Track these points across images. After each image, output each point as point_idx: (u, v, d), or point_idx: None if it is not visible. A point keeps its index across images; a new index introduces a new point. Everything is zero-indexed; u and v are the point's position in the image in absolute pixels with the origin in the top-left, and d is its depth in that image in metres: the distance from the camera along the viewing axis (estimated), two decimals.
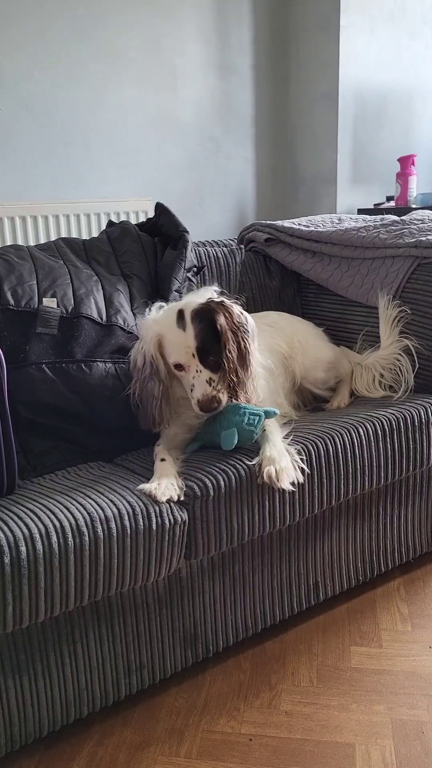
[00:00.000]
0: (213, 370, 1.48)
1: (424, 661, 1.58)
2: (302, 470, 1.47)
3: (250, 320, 1.56)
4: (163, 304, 1.64)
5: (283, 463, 1.42)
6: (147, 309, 1.66)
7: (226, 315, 1.50)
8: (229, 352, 1.47)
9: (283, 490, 1.42)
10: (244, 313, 1.56)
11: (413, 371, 1.87)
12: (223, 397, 1.47)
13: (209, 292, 1.62)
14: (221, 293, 1.63)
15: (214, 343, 1.48)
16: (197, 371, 1.47)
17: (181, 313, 1.50)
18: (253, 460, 1.44)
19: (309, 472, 1.50)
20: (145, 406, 1.54)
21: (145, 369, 1.52)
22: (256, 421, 1.47)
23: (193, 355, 1.47)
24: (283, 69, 3.33)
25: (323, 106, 3.22)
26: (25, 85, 2.73)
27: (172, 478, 1.40)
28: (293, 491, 1.46)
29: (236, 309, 1.54)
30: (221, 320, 1.48)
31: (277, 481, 1.39)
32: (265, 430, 1.51)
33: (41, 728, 1.33)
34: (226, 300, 1.54)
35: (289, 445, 1.51)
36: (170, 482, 1.38)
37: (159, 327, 1.52)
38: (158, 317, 1.56)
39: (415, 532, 1.89)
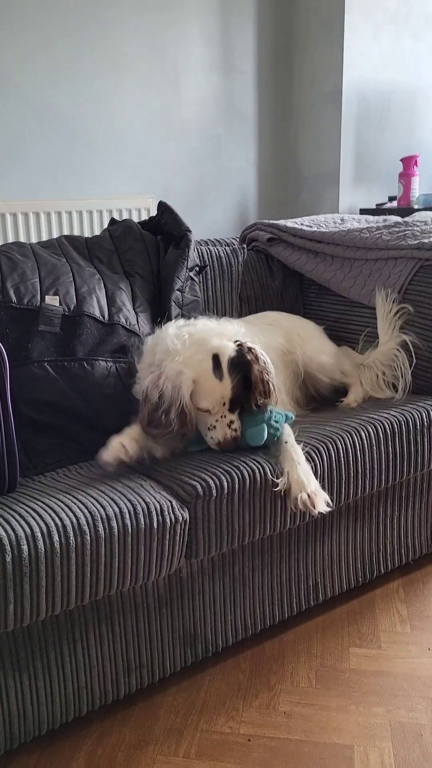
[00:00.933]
0: (233, 412, 1.50)
1: (423, 663, 1.58)
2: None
3: (266, 357, 1.56)
4: (180, 323, 1.62)
5: (312, 486, 1.44)
6: (159, 326, 1.64)
7: (258, 363, 1.51)
8: (259, 398, 1.51)
9: (321, 513, 1.44)
10: (262, 352, 1.56)
11: (410, 367, 1.87)
12: (239, 434, 1.50)
13: (233, 327, 1.61)
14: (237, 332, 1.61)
15: (243, 390, 1.50)
16: (222, 416, 1.49)
17: (216, 360, 1.47)
18: (278, 483, 1.44)
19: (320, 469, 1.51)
20: (156, 428, 1.48)
21: (165, 406, 1.44)
22: (281, 420, 1.52)
23: (224, 404, 1.48)
24: (286, 69, 3.33)
25: (326, 107, 3.22)
26: (29, 85, 2.73)
27: (124, 437, 1.43)
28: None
29: (260, 352, 1.54)
30: (255, 371, 1.50)
31: (313, 507, 1.42)
32: (287, 442, 1.51)
33: (40, 726, 1.33)
34: (251, 345, 1.53)
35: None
36: (119, 441, 1.41)
37: (192, 372, 1.47)
38: (188, 358, 1.48)
39: (414, 534, 1.89)
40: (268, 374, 1.52)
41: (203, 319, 1.65)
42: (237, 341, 1.52)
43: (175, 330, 1.58)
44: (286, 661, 1.60)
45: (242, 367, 1.50)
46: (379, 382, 1.93)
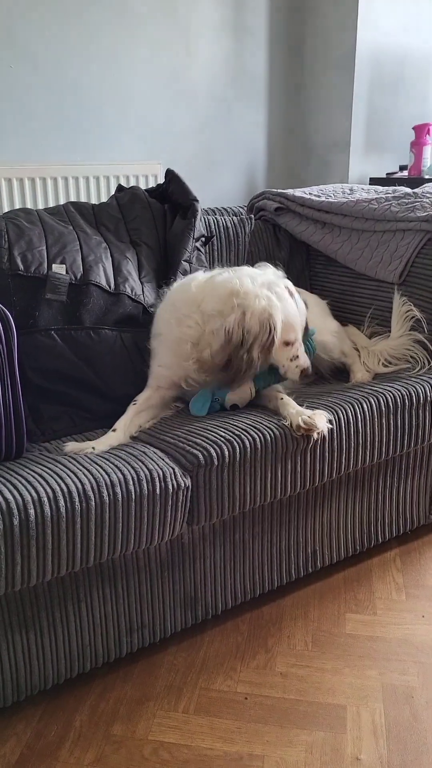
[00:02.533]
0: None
1: (417, 630, 1.63)
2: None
3: None
4: (206, 273, 1.67)
5: (308, 411, 1.53)
6: (166, 292, 1.71)
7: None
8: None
9: (323, 431, 1.51)
10: None
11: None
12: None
13: (269, 269, 1.67)
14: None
15: None
16: (301, 343, 1.61)
17: (288, 290, 1.59)
18: (284, 422, 1.52)
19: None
20: (237, 375, 1.53)
21: (248, 344, 1.50)
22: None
23: (301, 332, 1.61)
24: (298, 31, 3.26)
25: (338, 69, 3.16)
26: (36, 44, 2.69)
27: (101, 446, 1.47)
28: (301, 460, 1.51)
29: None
30: (302, 303, 1.63)
31: (314, 423, 1.48)
32: (282, 399, 1.60)
33: (46, 680, 1.39)
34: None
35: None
36: (92, 445, 1.45)
37: (278, 301, 1.54)
38: (265, 290, 1.54)
39: (413, 504, 1.92)
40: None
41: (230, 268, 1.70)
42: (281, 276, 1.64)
43: (201, 282, 1.63)
44: (284, 624, 1.65)
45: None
46: (378, 365, 1.93)
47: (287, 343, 1.58)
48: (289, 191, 2.35)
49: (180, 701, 1.42)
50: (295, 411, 1.53)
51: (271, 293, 1.54)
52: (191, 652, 1.56)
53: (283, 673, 1.50)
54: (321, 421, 1.51)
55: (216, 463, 1.41)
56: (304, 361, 1.61)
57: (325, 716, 1.38)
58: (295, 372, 1.60)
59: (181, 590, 1.53)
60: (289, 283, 1.63)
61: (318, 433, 1.50)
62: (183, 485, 1.37)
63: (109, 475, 1.30)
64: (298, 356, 1.60)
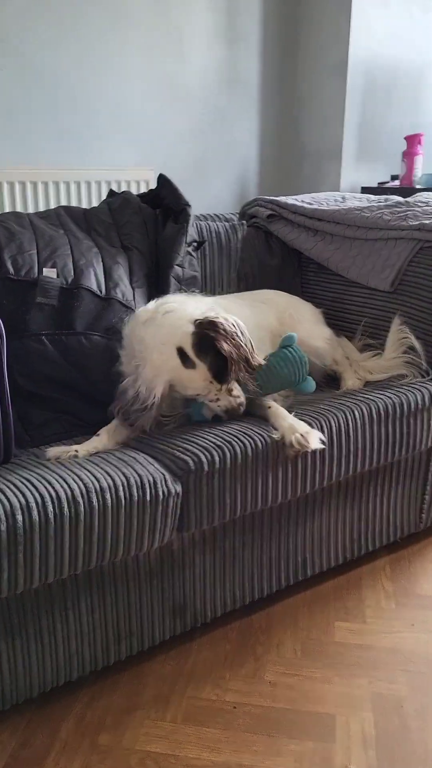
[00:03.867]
0: (227, 383, 1.51)
1: (406, 638, 1.62)
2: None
3: (236, 321, 1.54)
4: (150, 307, 1.60)
5: (303, 428, 1.49)
6: (126, 321, 1.63)
7: (223, 335, 1.48)
8: (238, 367, 1.49)
9: (316, 450, 1.49)
10: (227, 317, 1.53)
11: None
12: (243, 398, 1.54)
13: (195, 304, 1.58)
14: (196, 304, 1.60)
15: (223, 360, 1.48)
16: (218, 390, 1.51)
17: (182, 352, 1.48)
18: (274, 435, 1.49)
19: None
20: (131, 419, 1.50)
21: (138, 406, 1.47)
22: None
23: (211, 382, 1.50)
24: (292, 39, 3.28)
25: (331, 79, 3.17)
26: (29, 46, 2.69)
27: (84, 448, 1.46)
28: (292, 468, 1.50)
29: (222, 321, 1.50)
30: (224, 347, 1.47)
31: (307, 443, 1.46)
32: (270, 407, 1.57)
33: (32, 689, 1.37)
34: (212, 317, 1.51)
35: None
36: (75, 448, 1.44)
37: (166, 375, 1.49)
38: (157, 360, 1.48)
39: (402, 513, 1.92)
40: (235, 340, 1.49)
41: (172, 297, 1.65)
42: (196, 320, 1.49)
43: (142, 322, 1.56)
44: (273, 633, 1.64)
45: (207, 344, 1.48)
46: (362, 381, 1.90)
47: (196, 395, 1.53)
48: (282, 198, 2.35)
49: (168, 710, 1.40)
50: (288, 425, 1.50)
51: (163, 354, 1.48)
52: (179, 661, 1.54)
53: (272, 682, 1.48)
54: (314, 441, 1.48)
55: (206, 469, 1.40)
56: (226, 403, 1.52)
57: (314, 725, 1.37)
58: (218, 410, 1.53)
59: (170, 598, 1.52)
60: (214, 317, 1.51)
61: (310, 450, 1.48)
62: (173, 491, 1.36)
63: (99, 481, 1.29)
64: (218, 398, 1.52)
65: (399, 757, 1.29)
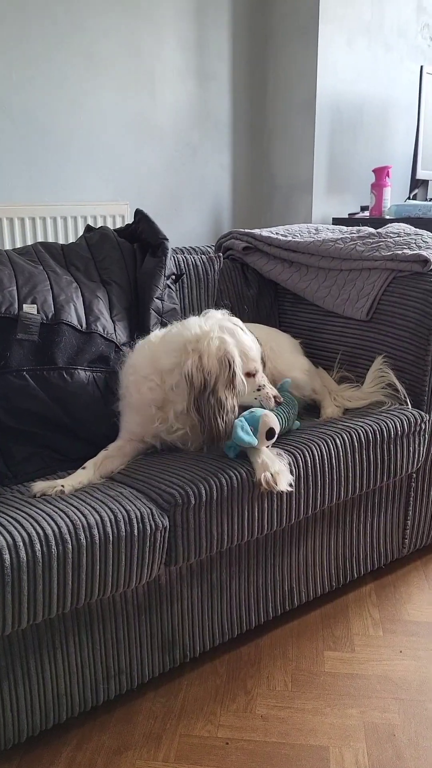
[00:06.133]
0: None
1: (395, 666, 1.62)
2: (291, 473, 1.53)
3: None
4: (163, 329, 1.73)
5: (276, 467, 1.48)
6: (138, 338, 1.72)
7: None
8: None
9: (282, 492, 1.49)
10: None
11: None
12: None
13: (216, 313, 1.67)
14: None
15: None
16: (263, 374, 1.62)
17: (237, 325, 1.62)
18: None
19: (295, 476, 1.55)
20: (213, 422, 1.50)
21: (212, 386, 1.50)
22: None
23: (260, 361, 1.62)
24: (260, 76, 3.37)
25: (300, 115, 3.26)
26: (3, 86, 2.72)
27: (70, 482, 1.46)
28: (278, 499, 1.50)
29: None
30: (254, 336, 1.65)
31: (275, 484, 1.45)
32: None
33: (20, 733, 1.34)
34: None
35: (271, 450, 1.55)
36: (62, 484, 1.44)
37: (230, 337, 1.56)
38: (216, 329, 1.56)
39: (386, 539, 1.94)
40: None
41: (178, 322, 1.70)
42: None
43: (167, 331, 1.68)
44: (263, 665, 1.63)
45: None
46: (340, 410, 1.93)
47: (249, 375, 1.58)
48: (257, 231, 2.39)
49: (160, 749, 1.38)
50: (261, 462, 1.49)
51: (222, 332, 1.56)
52: (170, 698, 1.52)
53: (263, 716, 1.47)
54: (283, 483, 1.47)
55: (193, 502, 1.40)
56: (271, 389, 1.62)
57: (308, 758, 1.35)
58: (267, 401, 1.60)
59: (158, 633, 1.50)
60: (238, 320, 1.65)
61: (276, 491, 1.48)
62: (161, 525, 1.35)
63: (86, 517, 1.28)
64: (264, 385, 1.61)
65: None
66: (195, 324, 1.59)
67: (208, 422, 1.50)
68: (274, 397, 1.61)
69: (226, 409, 1.51)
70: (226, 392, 1.51)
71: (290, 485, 1.50)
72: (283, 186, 3.41)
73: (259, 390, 1.60)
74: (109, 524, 1.29)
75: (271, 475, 1.46)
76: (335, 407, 1.93)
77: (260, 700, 1.52)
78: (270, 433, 1.51)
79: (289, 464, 1.54)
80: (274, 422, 1.52)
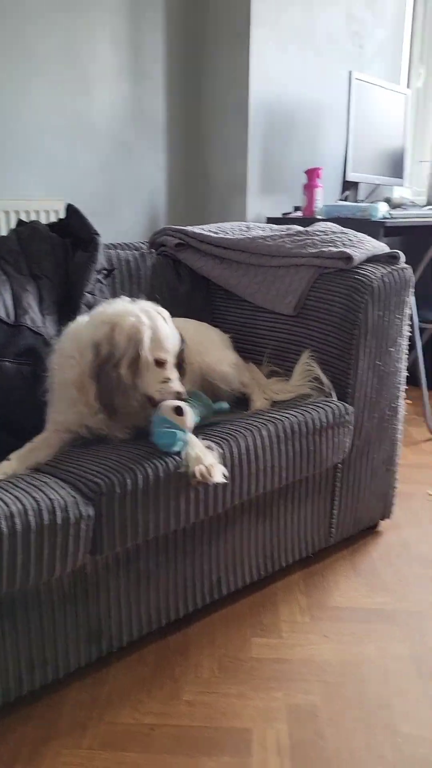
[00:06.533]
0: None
1: (320, 649, 1.67)
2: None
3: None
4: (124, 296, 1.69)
5: (208, 459, 1.51)
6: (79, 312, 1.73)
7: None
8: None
9: (217, 484, 1.51)
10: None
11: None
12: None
13: (147, 302, 1.67)
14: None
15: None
16: (174, 369, 1.59)
17: (162, 316, 1.61)
18: (180, 466, 1.50)
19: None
20: (108, 394, 1.52)
21: (116, 359, 1.51)
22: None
23: (174, 356, 1.59)
24: (195, 78, 3.40)
25: (234, 117, 3.31)
26: None
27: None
28: (204, 488, 1.53)
29: None
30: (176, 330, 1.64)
31: (210, 476, 1.47)
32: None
33: None
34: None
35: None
36: None
37: (147, 319, 1.56)
38: (137, 310, 1.58)
39: (313, 528, 1.98)
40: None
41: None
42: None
43: (93, 311, 1.66)
44: (190, 653, 1.65)
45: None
46: (268, 402, 1.97)
47: (158, 363, 1.57)
48: (189, 228, 2.42)
49: (84, 737, 1.38)
50: (195, 455, 1.51)
51: (141, 314, 1.58)
52: (96, 687, 1.52)
53: (189, 702, 1.49)
54: (217, 475, 1.49)
55: (118, 491, 1.41)
56: (177, 385, 1.57)
57: (231, 741, 1.38)
58: (167, 393, 1.56)
59: (84, 623, 1.50)
60: (165, 312, 1.66)
61: (212, 483, 1.50)
62: (85, 514, 1.36)
63: (8, 506, 1.27)
64: (171, 379, 1.57)
65: (314, 765, 1.32)
66: (120, 303, 1.62)
67: (104, 394, 1.51)
68: (178, 392, 1.56)
69: (124, 386, 1.51)
70: (128, 370, 1.52)
71: (225, 477, 1.52)
72: (219, 186, 3.45)
73: (162, 383, 1.57)
74: (31, 513, 1.29)
75: (206, 468, 1.48)
76: (264, 400, 1.97)
77: (187, 687, 1.54)
78: (178, 410, 1.51)
79: (221, 456, 1.56)
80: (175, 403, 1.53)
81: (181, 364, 1.65)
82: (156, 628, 1.65)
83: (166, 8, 3.23)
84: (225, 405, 1.83)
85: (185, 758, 1.34)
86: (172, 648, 1.67)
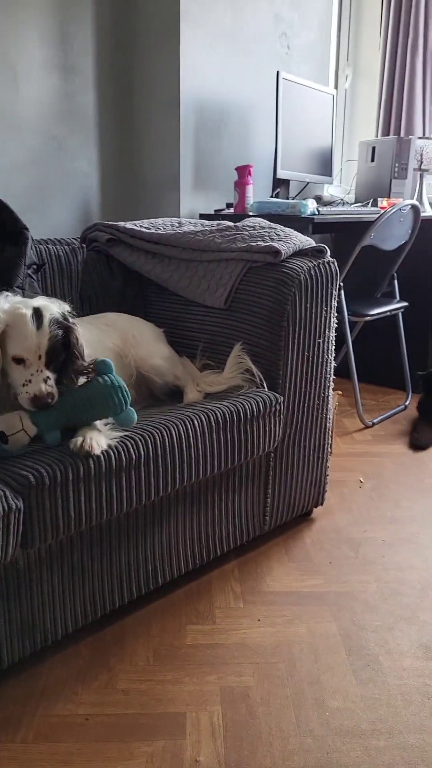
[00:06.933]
0: (51, 371, 1.53)
1: (253, 633, 1.71)
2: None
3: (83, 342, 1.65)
4: (9, 294, 1.62)
5: (93, 434, 1.51)
6: None
7: (77, 335, 1.60)
8: (76, 367, 1.57)
9: (96, 455, 1.50)
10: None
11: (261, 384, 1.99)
12: (56, 394, 1.53)
13: (57, 304, 1.62)
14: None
15: (60, 352, 1.55)
16: (38, 370, 1.51)
17: (38, 313, 1.53)
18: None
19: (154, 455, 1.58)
20: None
21: None
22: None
23: (40, 357, 1.51)
24: (126, 74, 3.40)
25: (166, 114, 3.32)
26: None
27: None
28: (136, 477, 1.54)
29: (81, 333, 1.63)
30: (74, 339, 1.57)
31: (89, 448, 1.47)
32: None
33: None
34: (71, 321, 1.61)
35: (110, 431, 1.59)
36: None
37: (7, 317, 1.52)
38: (7, 308, 1.53)
39: (247, 517, 2.02)
40: (79, 346, 1.59)
41: None
42: (63, 312, 1.59)
43: (2, 297, 1.59)
44: (126, 643, 1.66)
45: (65, 330, 1.55)
46: (201, 395, 1.99)
47: (18, 361, 1.52)
48: (120, 223, 2.42)
49: (18, 731, 1.38)
50: (84, 431, 1.52)
51: (14, 308, 1.53)
52: (31, 681, 1.52)
53: (124, 690, 1.50)
54: (95, 449, 1.49)
55: (48, 483, 1.41)
56: (36, 389, 1.49)
57: (165, 725, 1.40)
58: (25, 398, 1.51)
59: (18, 618, 1.50)
60: (65, 307, 1.62)
61: (94, 455, 1.49)
62: (15, 507, 1.35)
63: None
64: (30, 382, 1.50)
65: (246, 743, 1.36)
66: (12, 299, 1.58)
67: None
68: (35, 397, 1.50)
69: None
70: None
71: (107, 448, 1.52)
72: (152, 182, 3.46)
73: (24, 385, 1.51)
74: None
75: (87, 439, 1.48)
76: (197, 392, 2.00)
77: (122, 676, 1.55)
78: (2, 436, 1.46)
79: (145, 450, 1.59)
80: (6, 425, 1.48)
81: (64, 365, 1.58)
82: (92, 620, 1.66)
83: (94, 4, 3.22)
84: (133, 416, 1.65)
85: (119, 744, 1.35)
86: (108, 639, 1.68)
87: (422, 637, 1.70)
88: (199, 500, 1.86)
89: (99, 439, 1.51)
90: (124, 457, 1.54)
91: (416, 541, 2.18)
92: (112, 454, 1.52)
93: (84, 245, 2.41)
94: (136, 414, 1.60)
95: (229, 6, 3.40)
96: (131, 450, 1.56)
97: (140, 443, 1.59)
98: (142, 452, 1.58)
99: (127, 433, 1.60)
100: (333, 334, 2.16)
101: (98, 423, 1.57)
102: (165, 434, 1.65)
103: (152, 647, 1.65)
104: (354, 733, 1.39)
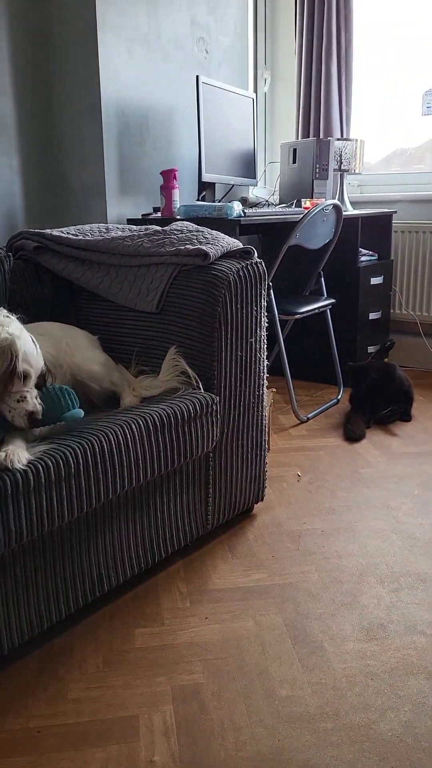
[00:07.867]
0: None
1: (201, 631, 1.73)
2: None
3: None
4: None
5: (14, 449, 1.51)
6: None
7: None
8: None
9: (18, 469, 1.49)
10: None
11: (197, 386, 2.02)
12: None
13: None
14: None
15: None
16: (31, 387, 1.57)
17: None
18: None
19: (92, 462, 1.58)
20: None
21: None
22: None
23: (36, 376, 1.59)
24: (44, 80, 3.37)
25: (87, 119, 3.31)
26: None
27: None
28: (76, 486, 1.54)
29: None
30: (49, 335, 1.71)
31: (9, 463, 1.46)
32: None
33: None
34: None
35: (48, 444, 1.61)
36: None
37: (17, 337, 1.58)
38: (11, 329, 1.58)
39: (190, 517, 2.05)
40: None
41: None
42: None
43: None
44: (75, 652, 1.66)
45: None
46: (138, 399, 2.01)
47: (21, 378, 1.57)
48: (47, 231, 2.40)
49: None
50: (6, 446, 1.53)
51: (10, 327, 1.60)
52: None
53: (75, 699, 1.50)
54: (16, 463, 1.48)
55: None
56: (32, 406, 1.56)
57: (118, 730, 1.41)
58: (21, 415, 1.55)
59: None
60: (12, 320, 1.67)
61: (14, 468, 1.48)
62: None
63: None
64: (26, 399, 1.56)
65: (199, 738, 1.38)
66: None
67: None
68: (30, 414, 1.56)
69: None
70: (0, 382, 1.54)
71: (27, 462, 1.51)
72: (77, 188, 3.44)
73: (19, 401, 1.56)
74: None
75: (7, 454, 1.48)
76: (133, 397, 2.01)
77: (72, 685, 1.54)
78: None
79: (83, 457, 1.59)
80: None
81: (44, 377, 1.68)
82: (39, 631, 1.65)
83: (7, 9, 3.18)
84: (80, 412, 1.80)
85: (73, 753, 1.35)
86: (57, 650, 1.67)
87: (363, 620, 1.76)
88: (141, 504, 1.87)
89: (20, 453, 1.51)
90: (62, 467, 1.54)
91: (353, 530, 2.25)
92: (50, 464, 1.52)
93: (10, 254, 2.38)
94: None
95: (146, 11, 3.42)
96: (70, 459, 1.56)
97: (79, 451, 1.59)
98: (81, 460, 1.58)
99: (54, 445, 1.60)
100: (264, 333, 2.20)
101: (18, 439, 1.57)
102: (104, 440, 1.65)
103: (102, 654, 1.65)
104: (303, 718, 1.43)
